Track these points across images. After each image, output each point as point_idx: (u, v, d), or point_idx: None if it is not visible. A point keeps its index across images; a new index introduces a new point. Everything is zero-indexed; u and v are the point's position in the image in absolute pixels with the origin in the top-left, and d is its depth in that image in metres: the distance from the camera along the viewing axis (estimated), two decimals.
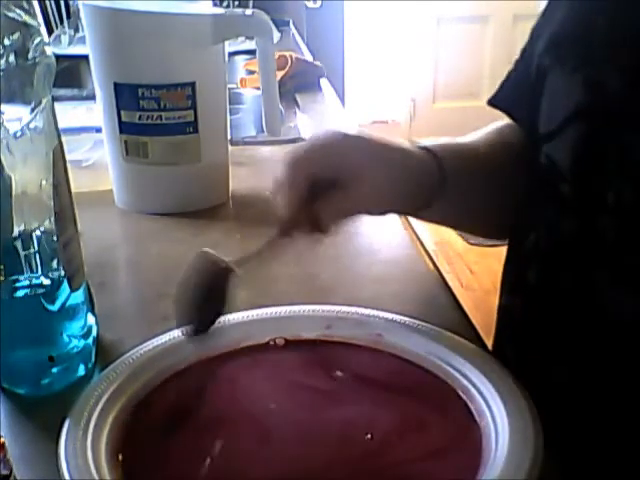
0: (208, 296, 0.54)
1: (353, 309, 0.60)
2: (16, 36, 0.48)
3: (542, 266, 0.62)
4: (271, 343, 0.58)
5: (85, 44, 0.85)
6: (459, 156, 0.66)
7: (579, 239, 0.58)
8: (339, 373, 0.54)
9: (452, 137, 0.68)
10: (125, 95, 0.83)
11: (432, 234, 2.79)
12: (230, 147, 0.92)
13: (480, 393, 0.50)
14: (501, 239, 0.77)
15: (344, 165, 0.57)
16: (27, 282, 0.53)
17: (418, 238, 0.82)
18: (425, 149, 0.62)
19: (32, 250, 0.53)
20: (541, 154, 0.61)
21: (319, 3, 2.92)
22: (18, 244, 0.52)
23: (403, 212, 0.66)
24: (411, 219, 0.85)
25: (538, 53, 0.63)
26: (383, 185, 0.58)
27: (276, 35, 0.88)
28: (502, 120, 0.72)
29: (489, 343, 0.64)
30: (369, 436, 0.48)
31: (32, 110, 0.50)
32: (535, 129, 0.63)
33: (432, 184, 0.61)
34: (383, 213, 0.63)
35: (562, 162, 0.59)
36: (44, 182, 0.52)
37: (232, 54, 1.50)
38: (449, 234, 2.77)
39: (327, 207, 0.57)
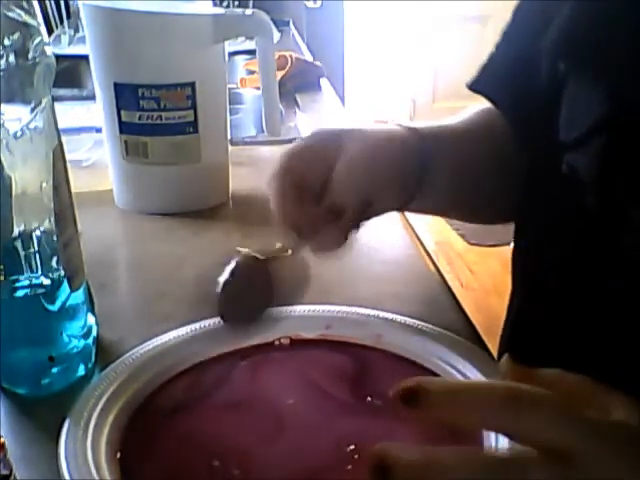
0: (256, 289, 0.55)
1: (353, 309, 0.60)
2: (16, 36, 0.48)
3: (565, 274, 0.60)
4: (276, 343, 0.58)
5: (85, 44, 0.85)
6: (443, 136, 0.64)
7: (604, 253, 0.56)
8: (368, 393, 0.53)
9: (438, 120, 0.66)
10: (125, 95, 0.83)
11: (432, 234, 2.79)
12: (230, 147, 0.92)
13: None
14: (492, 223, 0.76)
15: (324, 163, 0.57)
16: (27, 282, 0.53)
17: (418, 238, 0.82)
18: (410, 129, 0.61)
19: (32, 250, 0.53)
20: (563, 163, 0.59)
21: (319, 3, 2.92)
22: (18, 244, 0.52)
23: (392, 204, 0.62)
24: (411, 219, 0.86)
25: (549, 51, 0.60)
26: (364, 169, 0.57)
27: (276, 35, 0.88)
28: (481, 104, 0.69)
29: (489, 343, 0.64)
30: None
31: (32, 110, 0.50)
32: (554, 135, 0.60)
33: (416, 165, 0.60)
34: (377, 211, 0.60)
35: (586, 173, 0.57)
36: (44, 182, 0.52)
37: (232, 54, 1.50)
38: (449, 234, 2.77)
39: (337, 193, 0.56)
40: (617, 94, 0.54)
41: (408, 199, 0.61)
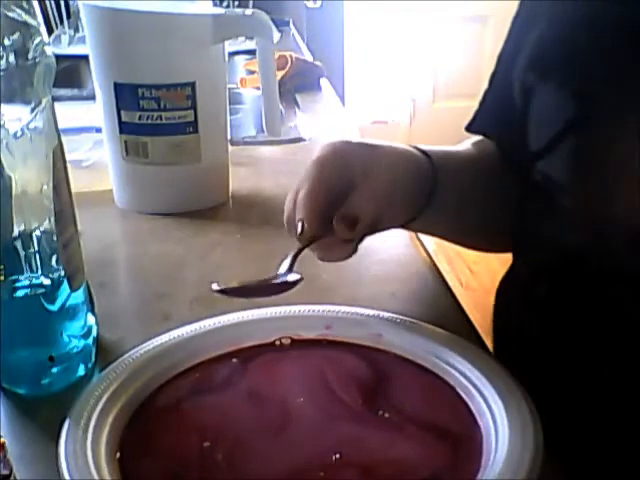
0: None
1: (353, 309, 0.60)
2: (16, 36, 0.48)
3: (553, 282, 0.62)
4: (277, 343, 0.58)
5: (85, 44, 0.85)
6: (451, 163, 0.67)
7: (588, 250, 0.57)
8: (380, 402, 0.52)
9: (445, 146, 0.70)
10: (125, 95, 0.83)
11: None
12: (230, 147, 0.92)
13: (480, 393, 0.50)
14: (492, 251, 0.78)
15: (350, 175, 0.58)
16: (27, 282, 0.53)
17: (418, 238, 0.82)
18: (422, 152, 0.63)
19: (32, 250, 0.53)
20: (534, 172, 0.61)
21: (319, 3, 2.91)
22: (18, 244, 0.52)
23: (399, 221, 0.64)
24: None
25: (519, 73, 0.63)
26: (385, 187, 0.58)
27: (276, 35, 0.88)
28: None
29: (489, 343, 0.64)
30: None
31: (32, 110, 0.50)
32: (523, 148, 0.62)
33: (427, 189, 0.62)
34: (380, 220, 0.61)
35: (560, 177, 0.59)
36: (44, 182, 0.52)
37: (232, 54, 1.49)
38: None
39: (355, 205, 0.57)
40: (582, 95, 0.56)
41: (412, 219, 0.63)
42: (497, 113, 0.70)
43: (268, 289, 0.56)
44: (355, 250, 0.59)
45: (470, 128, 0.73)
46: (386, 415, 0.50)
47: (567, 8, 0.59)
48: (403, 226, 0.65)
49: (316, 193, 0.57)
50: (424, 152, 0.63)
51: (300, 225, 0.56)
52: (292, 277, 0.55)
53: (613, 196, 0.54)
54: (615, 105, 0.54)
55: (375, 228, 0.60)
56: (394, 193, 0.59)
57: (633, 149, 0.52)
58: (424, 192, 0.62)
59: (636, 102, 0.52)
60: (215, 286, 0.54)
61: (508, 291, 0.69)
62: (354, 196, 0.57)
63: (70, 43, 1.66)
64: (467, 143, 0.73)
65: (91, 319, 0.59)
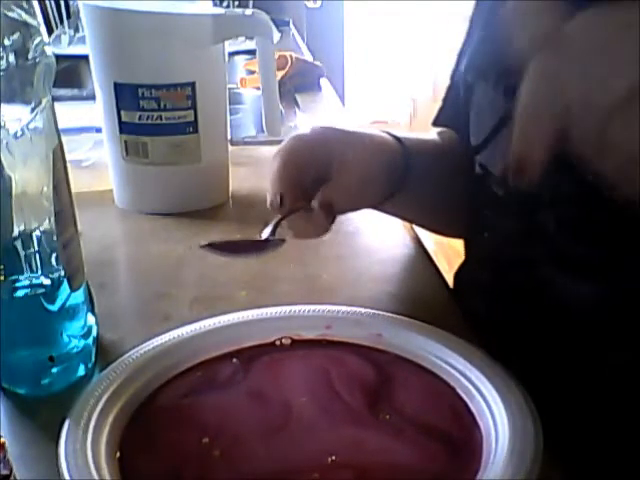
0: None
1: (353, 309, 0.60)
2: (16, 36, 0.48)
3: (493, 266, 0.66)
4: (277, 343, 0.58)
5: (85, 44, 0.85)
6: (422, 149, 0.71)
7: (522, 236, 0.61)
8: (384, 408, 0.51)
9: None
10: (125, 95, 0.83)
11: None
12: (230, 147, 0.92)
13: (480, 393, 0.50)
14: (456, 236, 0.82)
15: (328, 159, 0.62)
16: (27, 282, 0.53)
17: (418, 238, 0.82)
18: (396, 139, 0.67)
19: (32, 250, 0.53)
20: (475, 164, 0.66)
21: (319, 3, 2.91)
22: (18, 244, 0.52)
23: (372, 203, 0.68)
24: None
25: (462, 73, 0.68)
26: (359, 183, 0.62)
27: (276, 35, 0.88)
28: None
29: None
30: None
31: (32, 110, 0.50)
32: (468, 142, 0.68)
33: (398, 175, 0.65)
34: (356, 207, 0.66)
35: (494, 168, 0.64)
36: (44, 182, 0.52)
37: (232, 54, 1.49)
38: None
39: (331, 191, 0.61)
40: (511, 91, 0.58)
41: (384, 200, 0.67)
42: (455, 108, 0.74)
43: (254, 246, 0.60)
44: (329, 229, 0.62)
45: (435, 123, 0.78)
46: (387, 417, 0.50)
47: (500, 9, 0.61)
48: (375, 207, 0.69)
49: (289, 166, 0.61)
50: (397, 139, 0.67)
51: (279, 197, 0.60)
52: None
53: (540, 186, 0.56)
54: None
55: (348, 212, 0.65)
56: (367, 186, 0.63)
57: None
58: (396, 179, 0.65)
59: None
60: (202, 242, 0.59)
61: (459, 276, 0.74)
62: (329, 187, 0.61)
63: (70, 43, 1.66)
64: (433, 132, 0.77)
65: (91, 319, 0.59)
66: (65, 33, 1.70)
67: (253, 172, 1.00)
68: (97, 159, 1.00)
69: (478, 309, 0.67)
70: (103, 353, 0.59)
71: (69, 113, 1.16)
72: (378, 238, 0.83)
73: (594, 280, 0.56)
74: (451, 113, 0.76)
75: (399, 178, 0.65)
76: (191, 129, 0.84)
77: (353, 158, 0.62)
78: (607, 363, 0.57)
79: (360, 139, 0.64)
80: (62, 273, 0.54)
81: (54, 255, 0.54)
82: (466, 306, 0.68)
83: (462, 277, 0.74)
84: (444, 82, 0.80)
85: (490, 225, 0.66)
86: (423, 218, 0.78)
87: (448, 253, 2.81)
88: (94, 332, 0.59)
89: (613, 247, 0.55)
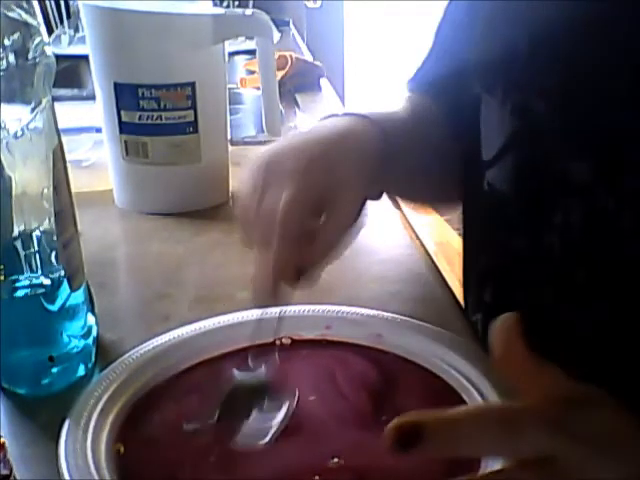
0: None
1: (353, 309, 0.60)
2: (16, 36, 0.48)
3: (497, 285, 0.64)
4: (277, 343, 0.57)
5: (85, 44, 0.85)
6: (398, 122, 0.66)
7: (528, 257, 0.59)
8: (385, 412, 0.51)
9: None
10: (125, 95, 0.82)
11: (432, 234, 2.79)
12: (230, 147, 0.92)
13: (480, 393, 0.50)
14: (449, 207, 0.79)
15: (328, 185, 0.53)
16: (27, 282, 0.53)
17: (418, 238, 0.82)
18: (366, 119, 0.59)
19: (32, 250, 0.53)
20: (484, 181, 0.63)
21: (319, 3, 2.91)
22: (18, 244, 0.52)
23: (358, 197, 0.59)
24: (411, 219, 0.85)
25: (467, 77, 0.63)
26: (350, 219, 0.55)
27: (276, 35, 0.88)
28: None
29: None
30: None
31: (32, 110, 0.50)
32: (477, 154, 0.63)
33: (377, 155, 0.58)
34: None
35: (504, 188, 0.61)
36: (44, 182, 0.52)
37: (232, 54, 1.49)
38: (449, 234, 2.77)
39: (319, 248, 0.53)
40: (519, 110, 0.57)
41: (371, 187, 0.58)
42: (441, 80, 0.69)
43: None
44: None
45: (413, 86, 0.72)
46: (389, 418, 0.49)
47: (508, 14, 0.58)
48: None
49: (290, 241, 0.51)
50: (366, 118, 0.59)
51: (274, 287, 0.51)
52: None
53: (550, 210, 0.55)
54: (549, 122, 0.55)
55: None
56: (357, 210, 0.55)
57: (568, 165, 0.54)
58: (381, 177, 0.58)
59: (570, 119, 0.53)
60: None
61: (465, 291, 0.72)
62: (322, 233, 0.53)
63: (70, 43, 1.66)
64: (401, 102, 0.72)
65: (91, 319, 0.59)
66: (65, 33, 1.70)
67: None
68: (97, 159, 1.00)
69: (482, 324, 0.65)
70: (103, 353, 0.59)
71: (69, 113, 1.16)
72: (378, 238, 0.82)
73: (593, 305, 0.55)
74: (433, 82, 0.70)
75: (384, 173, 0.58)
76: (191, 129, 0.84)
77: (343, 200, 0.53)
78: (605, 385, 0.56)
79: (346, 173, 0.54)
80: (62, 273, 0.54)
81: (54, 255, 0.54)
82: (471, 320, 0.67)
83: (467, 292, 0.72)
84: None
85: (497, 243, 0.63)
86: (418, 192, 0.74)
87: (448, 253, 2.81)
88: (94, 332, 0.59)
89: (614, 276, 0.53)
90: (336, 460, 0.46)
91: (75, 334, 0.56)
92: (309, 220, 0.52)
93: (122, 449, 0.47)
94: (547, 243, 0.57)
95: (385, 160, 0.58)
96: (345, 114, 0.60)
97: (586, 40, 0.51)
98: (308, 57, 1.65)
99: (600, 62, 0.51)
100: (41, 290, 0.54)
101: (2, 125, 0.49)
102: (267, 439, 0.47)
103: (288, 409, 0.50)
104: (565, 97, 0.54)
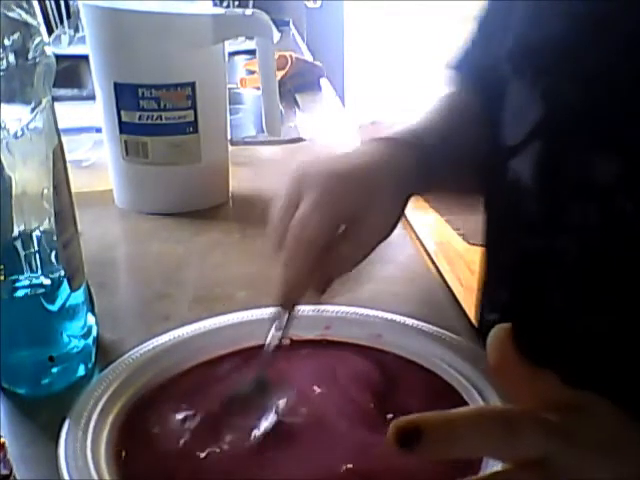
0: None
1: (353, 309, 0.60)
2: (16, 36, 0.48)
3: (514, 285, 0.63)
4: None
5: (85, 44, 0.85)
6: (434, 135, 0.64)
7: (544, 258, 0.58)
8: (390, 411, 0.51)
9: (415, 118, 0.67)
10: (125, 95, 0.82)
11: (432, 234, 2.79)
12: (230, 147, 0.92)
13: (480, 393, 0.50)
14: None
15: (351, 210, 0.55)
16: (27, 282, 0.53)
17: (418, 238, 0.82)
18: (405, 144, 0.60)
19: (32, 250, 0.53)
20: (509, 169, 0.61)
21: (319, 3, 2.91)
22: (18, 244, 0.52)
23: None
24: (411, 219, 0.85)
25: (498, 59, 0.61)
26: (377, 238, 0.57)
27: (276, 35, 0.88)
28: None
29: None
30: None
31: (32, 110, 0.50)
32: (500, 140, 0.62)
33: (415, 183, 0.59)
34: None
35: (526, 179, 0.59)
36: (44, 182, 0.52)
37: (232, 54, 1.49)
38: (449, 234, 2.77)
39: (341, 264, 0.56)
40: (549, 95, 0.55)
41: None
42: (481, 66, 0.69)
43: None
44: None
45: (454, 71, 0.72)
46: (392, 418, 0.49)
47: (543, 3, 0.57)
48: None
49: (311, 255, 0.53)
50: (418, 152, 0.59)
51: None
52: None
53: (569, 207, 0.55)
54: (579, 111, 0.53)
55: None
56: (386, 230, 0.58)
57: (590, 160, 0.53)
58: (411, 180, 0.59)
59: (603, 106, 0.52)
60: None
61: (479, 292, 0.71)
62: (345, 246, 0.55)
63: (70, 43, 1.66)
64: (437, 103, 0.70)
65: (91, 319, 0.59)
66: (65, 33, 1.70)
67: (253, 172, 1.00)
68: (97, 159, 1.00)
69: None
70: (103, 353, 0.59)
71: (69, 113, 1.16)
72: None
73: (605, 313, 0.54)
74: (474, 71, 0.70)
75: (417, 176, 0.59)
76: (191, 129, 0.84)
77: (369, 220, 0.56)
78: (615, 394, 0.56)
79: (380, 199, 0.56)
80: (62, 273, 0.54)
81: (54, 255, 0.54)
82: (482, 322, 0.67)
83: (480, 293, 0.71)
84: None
85: (515, 241, 0.62)
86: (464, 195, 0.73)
87: (448, 253, 2.81)
88: (94, 332, 0.59)
89: (628, 284, 0.53)
90: (342, 462, 0.45)
91: (75, 334, 0.56)
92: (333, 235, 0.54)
93: (122, 449, 0.47)
94: (563, 244, 0.56)
95: (423, 182, 0.59)
96: (384, 138, 0.60)
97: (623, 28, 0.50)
98: (308, 57, 1.65)
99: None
100: (41, 290, 0.54)
101: (2, 125, 0.49)
102: (258, 435, 0.48)
103: (285, 407, 0.50)
104: (598, 83, 0.52)
